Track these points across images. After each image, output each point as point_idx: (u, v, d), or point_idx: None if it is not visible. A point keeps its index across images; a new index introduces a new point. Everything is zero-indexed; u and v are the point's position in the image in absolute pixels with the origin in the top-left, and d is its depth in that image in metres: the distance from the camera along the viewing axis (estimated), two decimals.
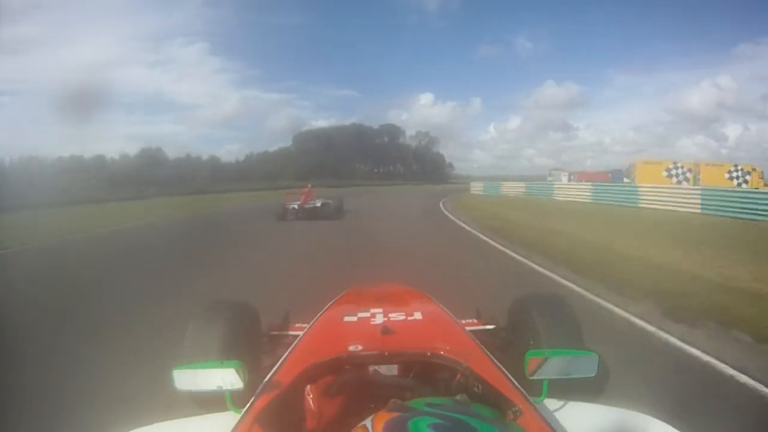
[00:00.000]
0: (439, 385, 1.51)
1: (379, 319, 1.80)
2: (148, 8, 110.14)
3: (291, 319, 2.82)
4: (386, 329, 1.62)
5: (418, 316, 1.87)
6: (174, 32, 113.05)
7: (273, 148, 76.37)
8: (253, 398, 1.31)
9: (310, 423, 1.38)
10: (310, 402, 1.44)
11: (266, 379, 1.43)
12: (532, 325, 2.19)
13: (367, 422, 0.83)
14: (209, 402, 1.56)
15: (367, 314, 1.89)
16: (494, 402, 1.27)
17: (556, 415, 1.33)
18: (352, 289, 2.57)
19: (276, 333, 2.65)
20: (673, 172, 23.59)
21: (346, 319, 1.90)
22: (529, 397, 1.29)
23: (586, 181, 25.81)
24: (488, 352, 1.56)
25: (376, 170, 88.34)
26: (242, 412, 1.27)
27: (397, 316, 1.84)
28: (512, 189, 28.96)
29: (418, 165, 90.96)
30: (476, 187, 32.18)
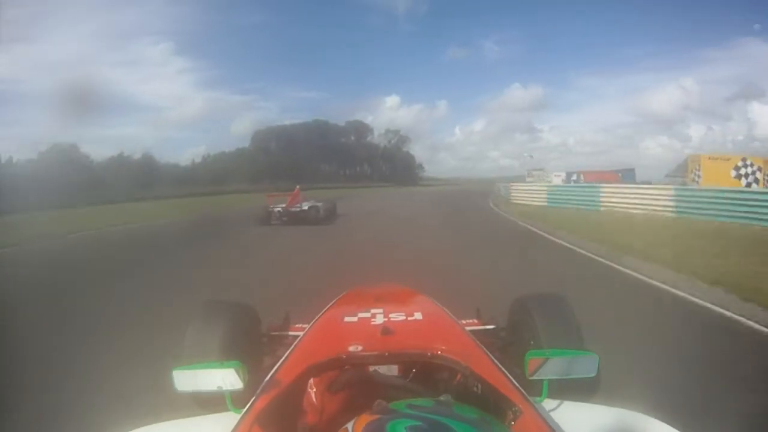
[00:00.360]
0: (440, 385, 1.52)
1: (380, 320, 1.80)
2: (112, 5, 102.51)
3: (291, 319, 2.81)
4: (386, 329, 1.62)
5: (418, 316, 1.88)
6: (139, 31, 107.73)
7: (231, 149, 70.41)
8: (253, 398, 1.30)
9: (310, 423, 1.38)
10: (310, 402, 1.42)
11: (266, 379, 1.42)
12: (532, 325, 2.20)
13: (349, 425, 0.83)
14: (209, 402, 1.55)
15: (368, 314, 1.88)
16: (494, 402, 1.28)
17: (556, 415, 1.33)
18: (352, 290, 2.57)
19: (276, 333, 2.63)
20: (743, 171, 17.88)
21: (347, 319, 1.89)
22: (529, 398, 1.30)
23: (596, 182, 21.45)
24: (488, 353, 1.57)
25: (342, 172, 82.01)
26: (242, 413, 1.26)
27: (397, 317, 1.83)
28: (523, 194, 22.78)
29: (388, 166, 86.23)
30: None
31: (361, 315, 1.89)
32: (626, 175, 25.11)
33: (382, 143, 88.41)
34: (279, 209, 14.36)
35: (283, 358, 1.58)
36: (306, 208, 14.47)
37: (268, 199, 15.43)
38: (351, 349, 1.46)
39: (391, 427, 0.77)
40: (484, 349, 1.61)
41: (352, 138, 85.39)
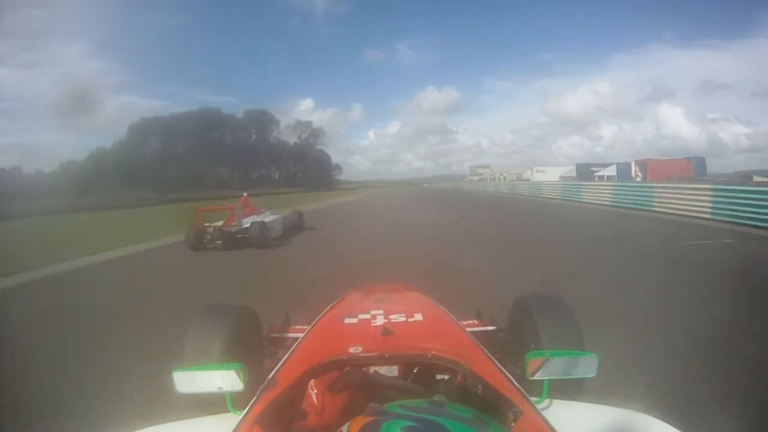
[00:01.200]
0: (440, 386, 1.52)
1: (380, 321, 1.81)
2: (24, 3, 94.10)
3: (291, 320, 2.82)
4: (387, 331, 1.62)
5: (418, 317, 1.88)
6: (52, 31, 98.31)
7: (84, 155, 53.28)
8: (253, 400, 1.31)
9: (310, 425, 1.38)
10: (311, 403, 1.42)
11: (266, 381, 1.43)
12: (532, 326, 2.19)
13: (344, 428, 0.83)
14: (209, 404, 1.54)
15: (368, 316, 1.89)
16: (495, 403, 1.28)
17: (557, 415, 1.33)
18: (352, 291, 2.57)
19: (276, 335, 2.64)
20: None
21: (347, 320, 1.90)
22: (530, 398, 1.30)
23: (664, 178, 17.82)
24: (488, 353, 1.57)
25: (237, 175, 63.64)
26: (242, 414, 1.26)
27: (397, 318, 1.84)
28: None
29: (298, 167, 72.41)
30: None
31: (361, 316, 1.90)
32: (698, 165, 21.44)
33: (292, 140, 75.52)
34: (213, 228, 10.31)
35: (284, 359, 1.58)
36: (247, 225, 10.26)
37: (196, 217, 10.58)
38: (351, 350, 1.46)
39: (386, 428, 0.77)
40: (484, 349, 1.61)
41: (253, 134, 69.68)
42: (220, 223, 10.48)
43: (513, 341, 2.41)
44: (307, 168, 74.49)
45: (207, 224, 10.45)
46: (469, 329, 2.01)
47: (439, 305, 2.19)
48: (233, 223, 10.33)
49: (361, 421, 0.82)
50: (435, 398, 0.92)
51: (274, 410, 1.25)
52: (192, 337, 2.14)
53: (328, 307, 2.26)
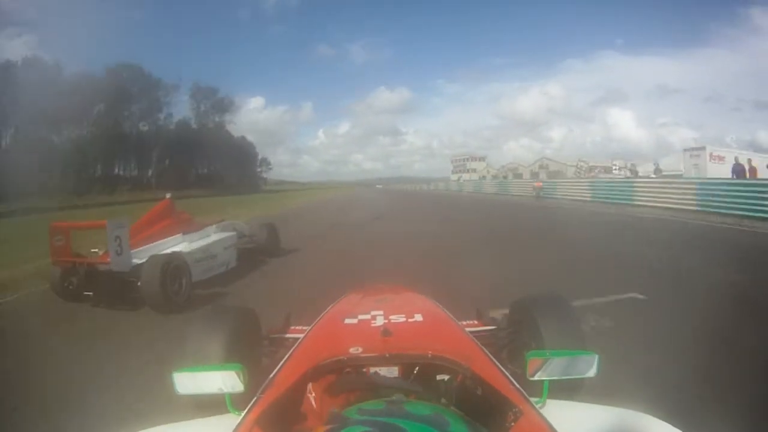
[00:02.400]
0: (440, 386, 1.52)
1: (380, 321, 1.80)
2: None
3: (291, 321, 2.81)
4: (387, 331, 1.62)
5: (418, 317, 1.88)
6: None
7: None
8: (253, 401, 1.30)
9: (310, 425, 1.36)
10: (310, 404, 1.42)
11: (266, 381, 1.43)
12: (532, 325, 2.20)
13: None
14: (209, 405, 1.56)
15: (368, 316, 1.88)
16: (495, 403, 1.28)
17: (557, 415, 1.33)
18: (352, 291, 2.57)
19: (276, 335, 2.63)
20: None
21: (347, 321, 1.89)
22: (530, 398, 1.30)
23: None
24: (489, 354, 1.58)
25: (95, 172, 38.58)
26: (242, 415, 1.26)
27: (397, 318, 1.84)
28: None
29: (200, 158, 49.08)
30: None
31: (361, 317, 1.90)
32: None
33: (194, 120, 50.89)
34: (80, 265, 5.18)
35: (284, 360, 1.59)
36: (141, 261, 5.04)
37: (52, 234, 5.08)
38: (351, 351, 1.46)
39: None
40: (485, 349, 1.61)
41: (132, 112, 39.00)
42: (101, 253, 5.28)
43: (513, 341, 2.41)
44: (222, 160, 51.47)
45: (78, 256, 5.32)
46: (469, 329, 2.02)
47: (440, 305, 2.19)
48: (108, 260, 4.91)
49: (321, 430, 0.82)
50: (394, 398, 0.93)
51: (274, 411, 1.25)
52: (192, 340, 2.15)
53: (328, 308, 2.26)
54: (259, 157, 66.03)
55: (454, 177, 68.13)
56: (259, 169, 66.77)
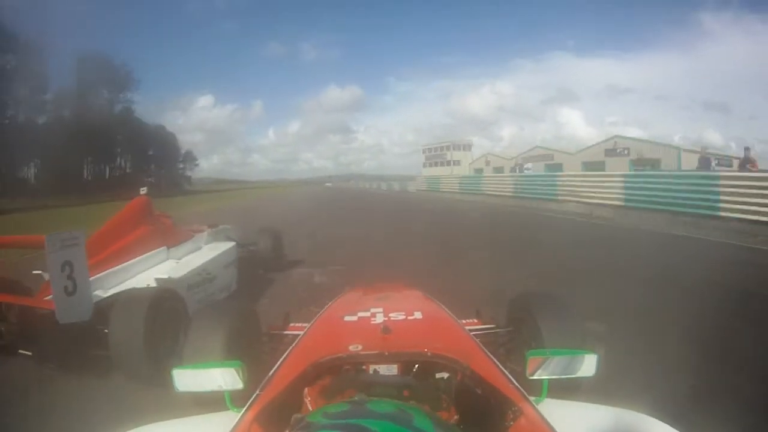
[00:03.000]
0: (440, 384, 1.52)
1: (380, 319, 1.81)
2: None
3: (291, 318, 2.81)
4: (386, 329, 1.62)
5: (418, 315, 1.88)
6: None
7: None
8: (252, 398, 1.31)
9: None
10: (310, 402, 1.41)
11: (266, 378, 1.43)
12: (532, 324, 2.20)
13: None
14: (209, 401, 1.54)
15: (368, 314, 1.89)
16: (494, 402, 1.28)
17: (556, 414, 1.33)
18: (352, 289, 2.58)
19: (276, 333, 2.63)
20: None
21: (347, 318, 1.90)
22: (529, 397, 1.30)
23: None
24: (488, 352, 1.58)
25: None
26: (242, 412, 1.26)
27: (397, 316, 1.84)
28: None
29: (103, 155, 36.92)
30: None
31: (361, 314, 1.90)
32: None
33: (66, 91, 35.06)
34: (7, 307, 2.95)
35: (283, 357, 1.59)
36: (104, 297, 3.11)
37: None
38: (351, 348, 1.46)
39: None
40: (484, 348, 1.61)
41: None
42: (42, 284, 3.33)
43: (513, 340, 2.41)
44: (122, 156, 39.23)
45: (6, 288, 3.38)
46: (468, 328, 2.02)
47: (439, 303, 2.20)
48: (50, 305, 2.79)
49: None
50: (356, 398, 0.92)
51: (274, 408, 1.25)
52: (191, 337, 2.16)
53: (328, 305, 2.26)
54: (183, 151, 52.83)
55: (427, 172, 54.52)
56: (181, 166, 53.24)
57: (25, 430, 2.48)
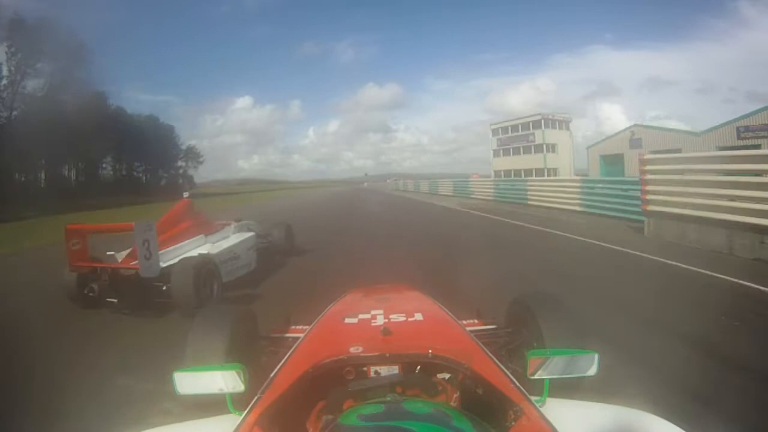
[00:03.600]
0: (440, 385, 1.52)
1: (380, 320, 1.81)
2: None
3: (292, 320, 2.82)
4: (387, 330, 1.62)
5: (418, 316, 1.88)
6: None
7: None
8: (254, 400, 1.31)
9: (310, 425, 1.36)
10: (311, 404, 1.41)
11: (267, 381, 1.43)
12: (532, 324, 2.20)
13: None
14: (210, 405, 1.55)
15: (368, 315, 1.89)
16: (495, 402, 1.28)
17: (557, 414, 1.33)
18: (352, 290, 2.58)
19: (277, 335, 2.64)
20: None
21: (347, 320, 1.90)
22: (530, 397, 1.30)
23: None
24: (489, 353, 1.58)
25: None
26: (243, 415, 1.26)
27: (397, 317, 1.84)
28: None
29: (71, 152, 31.00)
30: None
31: (361, 316, 1.90)
32: None
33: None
34: (102, 270, 4.89)
35: (284, 360, 1.58)
36: (172, 263, 4.94)
37: (69, 242, 4.78)
38: (352, 350, 1.47)
39: None
40: (485, 348, 1.61)
41: None
42: (121, 255, 5.17)
43: (513, 340, 2.41)
44: (99, 154, 33.24)
45: (95, 260, 5.06)
46: (469, 328, 2.02)
47: (439, 304, 2.20)
48: (134, 262, 4.71)
49: None
50: (389, 398, 0.90)
51: (275, 411, 1.25)
52: (192, 340, 2.15)
53: (328, 307, 2.26)
54: (183, 146, 45.08)
55: (500, 164, 37.67)
56: (181, 165, 44.53)
57: (119, 345, 3.90)
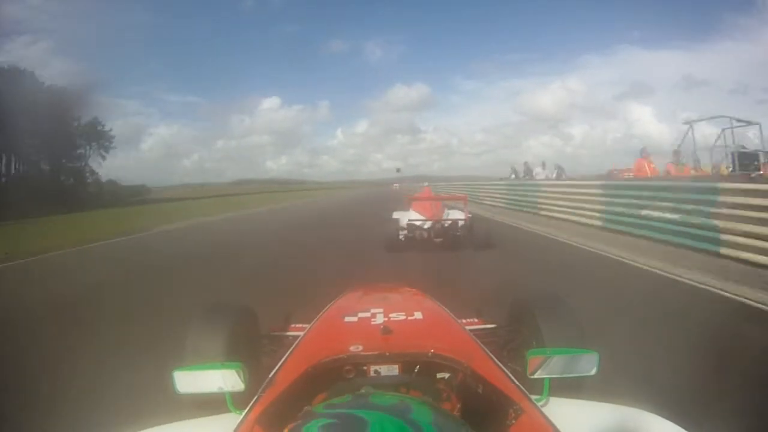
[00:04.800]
0: (441, 384, 1.52)
1: (380, 319, 1.80)
2: None
3: (291, 319, 2.82)
4: (387, 329, 1.62)
5: (418, 315, 1.88)
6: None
7: None
8: (253, 399, 1.30)
9: None
10: (311, 403, 1.41)
11: (267, 380, 1.42)
12: (533, 324, 2.20)
13: None
14: (209, 404, 1.55)
15: (368, 314, 1.88)
16: (495, 401, 1.28)
17: (558, 413, 1.33)
18: (351, 289, 2.57)
19: (276, 334, 2.64)
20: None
21: (347, 319, 1.89)
22: (531, 396, 1.30)
23: None
24: (489, 352, 1.57)
25: None
26: (243, 414, 1.26)
27: (397, 316, 1.84)
28: None
29: None
30: None
31: (361, 315, 1.90)
32: None
33: None
34: (419, 222, 9.25)
35: (284, 358, 1.58)
36: (448, 224, 9.22)
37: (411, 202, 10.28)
38: (351, 349, 1.46)
39: (306, 429, 0.78)
40: (485, 348, 1.61)
41: None
42: (424, 218, 9.38)
43: (513, 339, 2.41)
44: None
45: (406, 218, 9.44)
46: (469, 327, 2.02)
47: (439, 303, 2.19)
48: (461, 219, 9.31)
49: (290, 426, 0.83)
50: (362, 390, 0.92)
51: (275, 409, 1.25)
52: (191, 338, 2.15)
53: (328, 306, 2.26)
54: (103, 130, 32.40)
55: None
56: (81, 152, 32.42)
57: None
